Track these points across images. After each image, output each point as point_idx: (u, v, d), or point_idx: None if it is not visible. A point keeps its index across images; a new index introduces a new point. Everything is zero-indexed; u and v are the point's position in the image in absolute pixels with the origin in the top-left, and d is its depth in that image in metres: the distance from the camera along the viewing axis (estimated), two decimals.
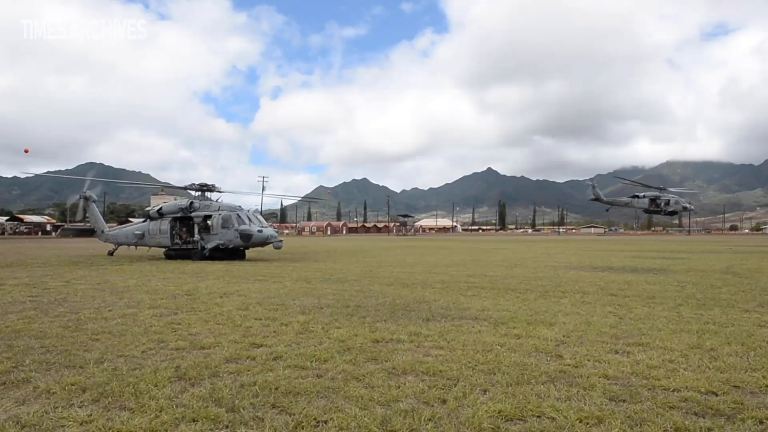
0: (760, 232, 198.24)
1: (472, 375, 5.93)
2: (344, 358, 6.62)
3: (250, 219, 22.79)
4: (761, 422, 4.61)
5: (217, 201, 24.77)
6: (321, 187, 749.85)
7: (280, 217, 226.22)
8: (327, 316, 9.59)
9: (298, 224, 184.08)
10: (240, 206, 23.22)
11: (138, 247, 25.68)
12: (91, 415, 4.67)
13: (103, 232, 27.61)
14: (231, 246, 22.55)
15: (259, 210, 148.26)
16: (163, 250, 24.78)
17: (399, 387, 5.47)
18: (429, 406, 4.98)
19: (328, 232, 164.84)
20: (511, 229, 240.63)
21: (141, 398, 5.07)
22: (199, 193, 24.47)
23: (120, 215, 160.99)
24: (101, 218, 28.59)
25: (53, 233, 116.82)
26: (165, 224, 24.08)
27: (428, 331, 8.35)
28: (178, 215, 23.78)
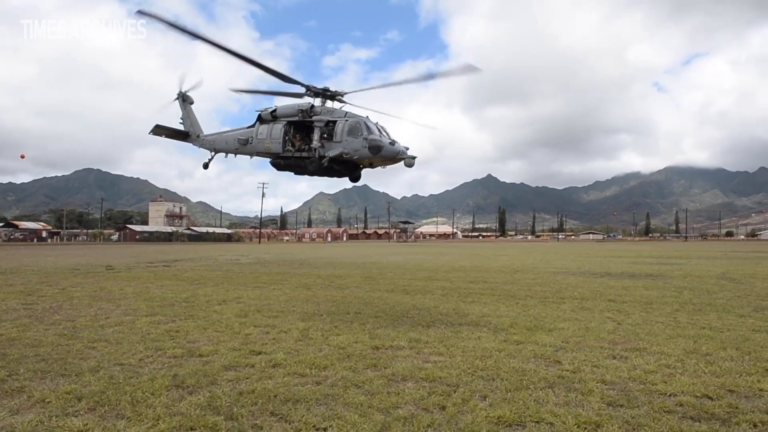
0: (756, 238, 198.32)
1: (472, 381, 5.92)
2: (344, 365, 6.60)
3: (380, 130, 19.48)
4: (755, 426, 4.64)
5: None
6: (321, 193, 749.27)
7: (280, 223, 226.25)
8: (327, 323, 9.56)
9: (297, 231, 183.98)
10: (367, 116, 19.84)
11: (237, 156, 22.39)
12: (86, 424, 4.64)
13: (198, 136, 23.49)
14: (355, 157, 19.19)
15: (259, 217, 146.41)
16: (270, 159, 21.62)
17: (398, 393, 5.46)
18: (428, 412, 4.97)
19: (329, 239, 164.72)
20: (511, 235, 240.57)
21: (138, 407, 5.04)
22: (319, 99, 20.70)
23: (118, 221, 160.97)
24: (198, 122, 24.63)
25: (49, 240, 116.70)
26: (278, 128, 20.79)
27: (428, 337, 8.33)
28: (296, 118, 20.48)
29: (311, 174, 19.86)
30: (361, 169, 20.48)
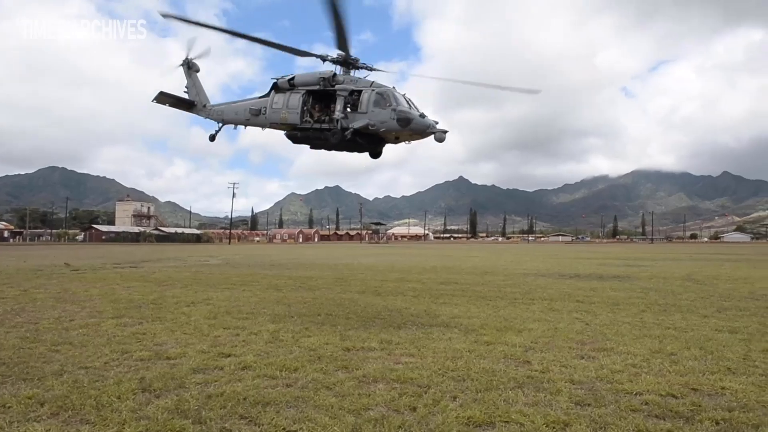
0: (719, 240, 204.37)
1: (443, 382, 5.95)
2: (314, 366, 6.57)
3: (408, 102, 17.36)
4: (717, 423, 4.78)
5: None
6: (293, 194, 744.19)
7: (250, 224, 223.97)
8: (298, 325, 9.51)
9: (268, 231, 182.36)
10: (393, 87, 17.71)
11: (247, 128, 20.15)
12: (49, 429, 4.52)
13: (205, 106, 22.47)
14: (382, 130, 17.09)
15: (230, 217, 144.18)
16: (285, 131, 19.10)
17: (369, 395, 5.46)
18: (399, 413, 4.98)
19: (300, 240, 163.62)
20: (482, 236, 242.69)
21: (103, 411, 4.93)
22: (341, 69, 18.24)
23: (83, 221, 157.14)
24: (204, 91, 22.73)
25: (11, 240, 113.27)
26: (295, 97, 18.52)
27: (399, 338, 8.35)
28: (316, 87, 18.39)
29: (331, 147, 17.90)
30: (385, 144, 18.21)
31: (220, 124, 20.47)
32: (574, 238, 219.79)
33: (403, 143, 17.58)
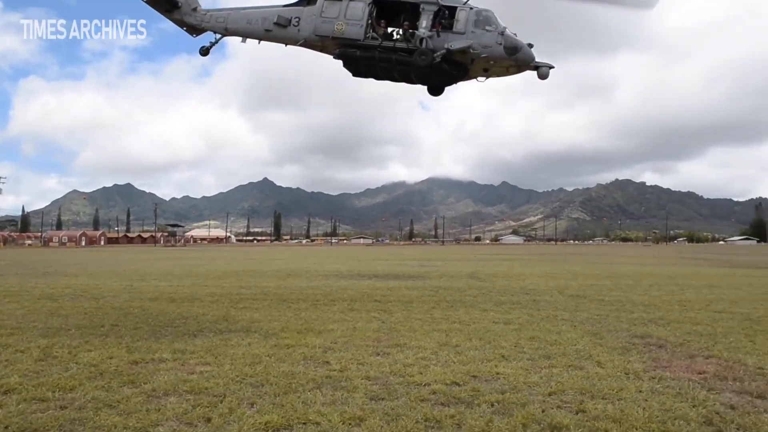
0: (498, 242, 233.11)
1: (240, 389, 5.80)
2: (95, 384, 5.94)
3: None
4: (492, 405, 5.42)
5: None
6: (74, 191, 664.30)
7: (21, 224, 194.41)
8: (76, 339, 8.50)
9: (44, 234, 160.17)
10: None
11: (262, 42, 15.24)
12: None
13: (195, 9, 15.30)
14: (483, 55, 14.21)
15: None
16: (335, 51, 15.07)
17: (159, 410, 5.10)
18: (192, 426, 4.74)
19: (83, 243, 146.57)
20: (286, 239, 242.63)
21: None
22: None
23: None
24: None
25: None
26: (358, 6, 14.72)
27: (194, 347, 7.94)
28: None
29: (400, 73, 14.98)
30: (463, 78, 15.60)
31: (218, 36, 16.33)
32: (374, 240, 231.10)
33: (479, 79, 15.42)
